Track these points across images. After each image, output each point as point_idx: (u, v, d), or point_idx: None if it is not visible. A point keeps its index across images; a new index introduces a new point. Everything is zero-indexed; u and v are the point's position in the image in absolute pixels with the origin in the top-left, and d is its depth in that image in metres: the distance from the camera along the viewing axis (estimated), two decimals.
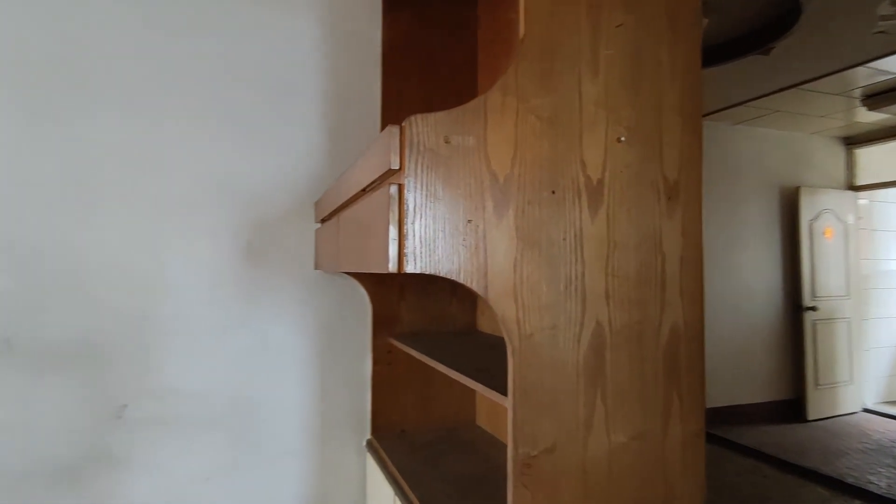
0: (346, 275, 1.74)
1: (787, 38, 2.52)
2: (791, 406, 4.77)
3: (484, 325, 1.81)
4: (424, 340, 1.58)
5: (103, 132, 1.54)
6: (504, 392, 0.91)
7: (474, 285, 0.84)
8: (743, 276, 4.69)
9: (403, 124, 0.81)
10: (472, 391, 1.82)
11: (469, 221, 0.84)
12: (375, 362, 1.71)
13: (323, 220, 1.60)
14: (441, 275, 0.82)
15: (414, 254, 0.81)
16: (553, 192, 0.91)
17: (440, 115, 0.83)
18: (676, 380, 0.98)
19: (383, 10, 1.80)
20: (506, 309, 0.86)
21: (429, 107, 0.85)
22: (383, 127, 1.78)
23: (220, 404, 1.63)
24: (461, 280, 0.84)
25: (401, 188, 0.81)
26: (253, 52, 1.70)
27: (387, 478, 1.45)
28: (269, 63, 1.72)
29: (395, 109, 1.79)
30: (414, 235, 0.81)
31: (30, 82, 1.48)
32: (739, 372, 4.60)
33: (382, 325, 1.73)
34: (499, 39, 1.75)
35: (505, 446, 1.61)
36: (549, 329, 0.89)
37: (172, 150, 1.60)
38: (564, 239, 0.91)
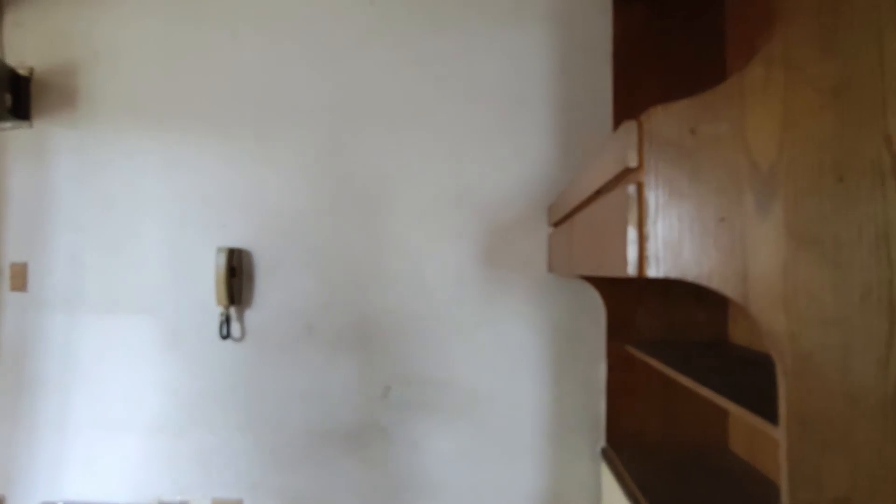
0: (579, 278, 1.72)
1: None
2: None
3: (738, 336, 1.56)
4: (666, 350, 1.45)
5: (370, 157, 1.84)
6: (772, 419, 0.77)
7: (730, 292, 0.74)
8: None
9: (641, 118, 0.76)
10: (724, 410, 1.60)
11: (722, 220, 0.74)
12: (611, 368, 1.65)
13: (556, 224, 1.61)
14: (689, 279, 0.74)
15: (656, 257, 0.75)
16: (840, 179, 0.73)
17: (683, 103, 0.75)
18: None
19: (613, 4, 1.72)
20: (773, 321, 0.73)
21: (666, 101, 0.77)
22: (616, 126, 1.70)
23: (463, 395, 1.78)
24: (713, 286, 0.74)
25: (640, 187, 0.76)
26: (487, 71, 1.82)
27: (626, 495, 1.38)
28: (502, 77, 1.81)
29: (627, 107, 1.69)
30: (656, 237, 0.75)
31: (321, 123, 1.86)
32: None
33: (618, 330, 1.65)
34: (752, 14, 1.50)
35: (767, 480, 1.37)
36: (837, 348, 0.72)
37: (421, 167, 1.83)
38: (860, 236, 0.72)
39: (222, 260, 1.78)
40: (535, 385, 1.77)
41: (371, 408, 1.81)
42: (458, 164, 1.82)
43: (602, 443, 1.72)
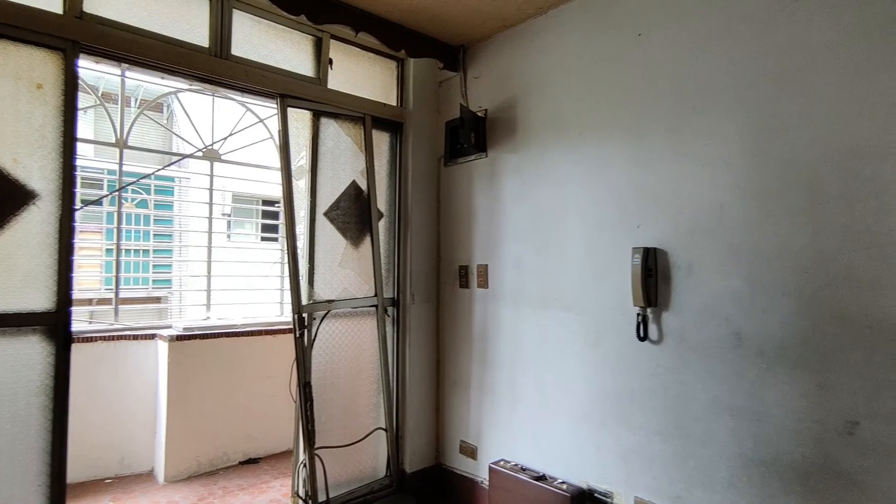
0: None
1: None
2: None
3: None
4: None
5: (817, 131, 1.47)
6: None
7: None
8: None
9: None
10: None
11: None
12: None
13: None
14: None
15: None
16: None
17: None
18: None
19: None
20: None
21: None
22: None
23: None
24: None
25: None
26: None
27: None
28: None
29: None
30: None
31: (744, 102, 1.61)
32: None
33: None
34: None
35: None
36: None
37: None
38: None
39: (638, 260, 1.78)
40: None
41: (827, 444, 1.44)
42: None
43: None
